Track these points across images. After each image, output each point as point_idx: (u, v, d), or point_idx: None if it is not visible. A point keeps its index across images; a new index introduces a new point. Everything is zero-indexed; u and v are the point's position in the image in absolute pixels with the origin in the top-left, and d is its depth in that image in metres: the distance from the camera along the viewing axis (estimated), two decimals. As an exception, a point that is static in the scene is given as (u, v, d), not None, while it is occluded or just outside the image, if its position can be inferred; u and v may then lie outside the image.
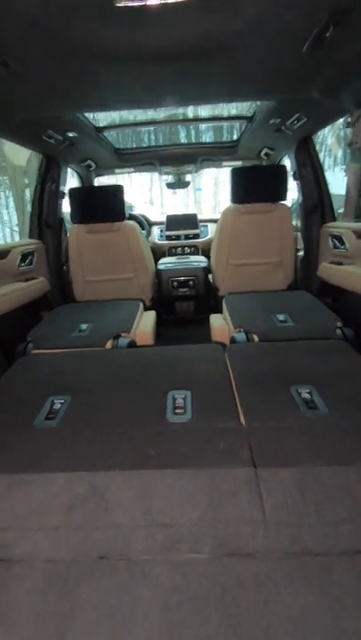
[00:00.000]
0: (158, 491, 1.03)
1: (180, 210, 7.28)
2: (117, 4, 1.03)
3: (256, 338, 2.04)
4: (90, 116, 2.46)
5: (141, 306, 2.68)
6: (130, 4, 1.04)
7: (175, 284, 3.17)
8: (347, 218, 7.28)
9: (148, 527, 0.95)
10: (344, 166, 8.79)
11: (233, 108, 2.80)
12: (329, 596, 0.79)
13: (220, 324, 2.36)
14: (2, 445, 1.24)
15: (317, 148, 2.90)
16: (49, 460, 1.16)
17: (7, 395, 1.58)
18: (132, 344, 2.13)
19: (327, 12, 1.03)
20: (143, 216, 4.29)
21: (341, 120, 2.69)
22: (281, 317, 2.24)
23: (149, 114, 2.73)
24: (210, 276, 3.19)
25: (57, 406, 1.46)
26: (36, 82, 1.45)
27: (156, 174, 3.87)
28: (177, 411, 1.38)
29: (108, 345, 2.07)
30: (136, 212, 4.37)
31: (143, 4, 1.04)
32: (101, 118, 2.65)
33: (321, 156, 3.03)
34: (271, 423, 1.26)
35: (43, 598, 0.82)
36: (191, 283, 3.18)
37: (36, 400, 1.50)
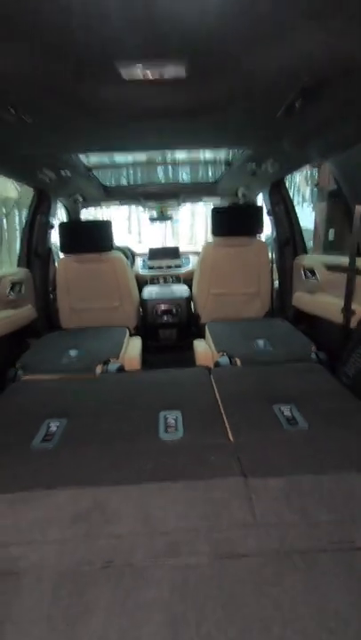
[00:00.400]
0: (156, 501, 1.11)
1: (158, 239, 7.53)
2: (124, 76, 1.22)
3: (239, 362, 2.18)
4: (81, 155, 2.65)
5: (127, 332, 2.79)
6: (134, 77, 1.23)
7: (159, 312, 3.30)
8: (317, 251, 7.79)
9: (148, 535, 1.02)
10: (312, 204, 9.46)
11: (211, 152, 3.07)
12: (314, 586, 0.88)
13: (203, 349, 2.49)
14: (0, 467, 1.29)
15: (287, 185, 3.21)
16: (49, 477, 1.22)
17: (2, 419, 1.62)
18: (121, 369, 2.22)
19: (295, 91, 1.26)
20: (127, 247, 4.47)
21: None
22: (261, 343, 2.40)
23: (137, 155, 2.96)
24: (192, 305, 3.36)
25: (53, 429, 1.51)
26: (38, 127, 1.61)
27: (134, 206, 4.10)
28: (169, 429, 1.48)
29: (98, 370, 2.15)
30: (119, 243, 4.56)
31: (144, 76, 1.23)
32: (92, 158, 2.84)
33: (290, 192, 3.34)
34: (257, 438, 1.38)
35: (52, 604, 0.87)
36: (175, 311, 3.32)
37: (31, 423, 1.55)
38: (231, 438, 1.40)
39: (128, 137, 1.81)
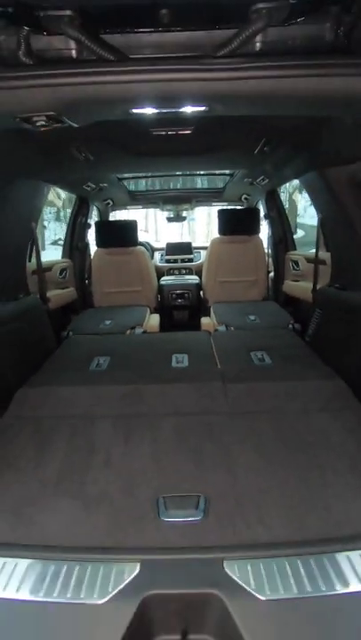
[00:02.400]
0: (170, 391, 1.87)
1: (174, 237, 8.26)
2: (153, 133, 1.97)
3: (233, 329, 2.91)
4: None
5: (148, 310, 3.55)
6: (159, 132, 1.97)
7: (174, 295, 4.05)
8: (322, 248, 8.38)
9: (164, 404, 1.78)
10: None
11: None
12: (254, 423, 1.62)
13: (207, 321, 3.24)
14: (75, 376, 2.06)
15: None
16: (103, 380, 1.99)
17: (67, 358, 2.40)
18: (145, 333, 2.99)
19: (261, 142, 2.00)
20: (148, 243, 5.23)
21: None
22: (252, 317, 3.13)
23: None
24: (201, 292, 4.09)
25: (101, 362, 2.29)
26: (96, 162, 2.39)
27: None
28: (178, 363, 2.23)
29: (128, 332, 2.92)
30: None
31: (165, 133, 1.98)
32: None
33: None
34: (235, 366, 2.12)
35: (115, 426, 1.63)
36: (186, 295, 4.07)
37: (86, 359, 2.32)
38: (219, 366, 2.14)
39: (156, 166, 2.58)
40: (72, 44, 1.09)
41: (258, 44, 1.12)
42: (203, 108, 1.30)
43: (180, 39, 1.13)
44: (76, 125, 1.32)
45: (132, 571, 0.95)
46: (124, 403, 1.82)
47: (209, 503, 1.18)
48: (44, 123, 1.22)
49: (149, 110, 1.37)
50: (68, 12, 0.99)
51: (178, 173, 3.80)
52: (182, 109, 1.33)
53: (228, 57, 1.10)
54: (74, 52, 1.11)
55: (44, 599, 0.89)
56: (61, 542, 1.05)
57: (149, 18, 1.07)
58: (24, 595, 0.89)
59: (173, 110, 1.37)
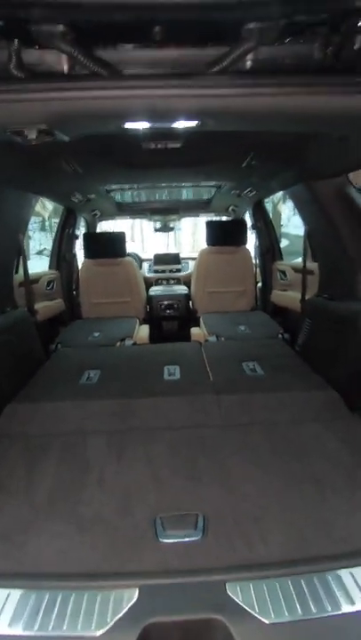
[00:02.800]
0: (162, 405, 1.84)
1: (161, 247, 8.27)
2: (143, 146, 1.97)
3: (223, 339, 2.91)
4: None
5: (137, 321, 3.52)
6: (149, 147, 1.98)
7: (163, 306, 4.04)
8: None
9: (157, 418, 1.76)
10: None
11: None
12: (248, 435, 1.60)
13: (197, 332, 3.23)
14: (65, 391, 2.01)
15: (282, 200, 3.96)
16: (94, 394, 1.94)
17: (56, 371, 2.35)
18: (135, 345, 2.95)
19: (248, 156, 2.03)
20: (136, 254, 5.22)
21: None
22: (242, 328, 3.13)
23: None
24: (190, 303, 4.09)
25: (92, 375, 2.24)
26: (84, 174, 2.37)
27: None
28: (170, 375, 2.20)
29: (117, 345, 2.88)
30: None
31: (154, 147, 1.98)
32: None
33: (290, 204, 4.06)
34: (227, 377, 2.11)
35: (108, 442, 1.59)
36: (175, 305, 4.06)
37: (76, 373, 2.28)
38: (211, 378, 2.13)
39: (145, 179, 2.58)
40: (64, 59, 1.08)
41: (249, 62, 1.13)
42: (194, 124, 1.31)
43: (173, 56, 1.14)
44: (66, 139, 1.31)
45: (131, 597, 0.91)
46: (117, 418, 1.78)
47: (208, 521, 1.15)
48: (34, 136, 1.20)
49: (141, 125, 1.37)
50: (60, 28, 0.99)
51: (166, 185, 3.81)
52: (173, 125, 1.34)
53: (220, 74, 1.11)
54: (66, 67, 1.10)
55: (39, 634, 0.84)
56: (55, 569, 1.00)
57: (142, 34, 1.08)
58: (17, 630, 0.85)
59: (164, 126, 1.38)
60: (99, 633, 0.84)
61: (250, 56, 1.12)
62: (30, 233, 14.94)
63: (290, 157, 2.11)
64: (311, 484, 1.32)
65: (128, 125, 1.34)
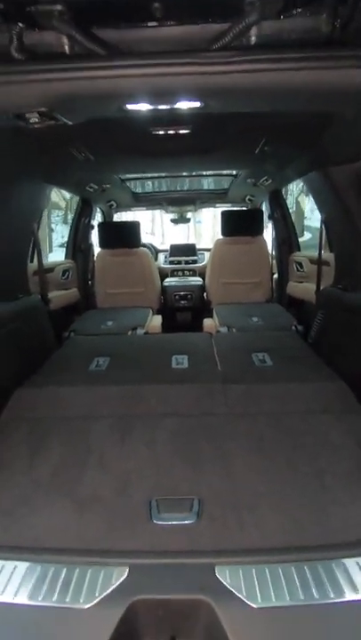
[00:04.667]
0: (169, 392, 1.84)
1: (180, 240, 8.26)
2: (153, 132, 1.96)
3: (235, 330, 2.88)
4: None
5: (151, 311, 3.53)
6: (159, 132, 1.96)
7: (177, 297, 4.03)
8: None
9: (163, 405, 1.76)
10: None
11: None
12: (253, 427, 1.58)
13: (209, 323, 3.21)
14: (71, 378, 2.05)
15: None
16: (101, 380, 1.97)
17: (67, 358, 2.39)
18: (146, 334, 2.96)
19: (261, 141, 1.97)
20: (151, 245, 5.23)
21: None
22: (255, 319, 3.09)
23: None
24: (204, 294, 4.06)
25: (101, 362, 2.27)
26: (96, 162, 2.38)
27: None
28: (178, 364, 2.20)
29: (129, 333, 2.90)
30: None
31: (165, 132, 1.96)
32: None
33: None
34: (235, 367, 2.08)
35: (112, 427, 1.61)
36: (189, 297, 4.05)
37: (86, 360, 2.31)
38: (219, 368, 2.11)
39: (155, 167, 2.57)
40: (64, 40, 1.08)
41: (253, 38, 1.09)
42: (198, 104, 1.28)
43: (174, 33, 1.11)
44: (70, 123, 1.31)
45: (121, 575, 0.92)
46: (123, 403, 1.80)
47: (203, 506, 1.15)
48: (36, 119, 1.21)
49: (145, 107, 1.35)
50: (58, 7, 0.98)
51: (181, 174, 3.78)
52: (178, 105, 1.31)
53: (223, 50, 1.08)
54: (66, 48, 1.09)
55: (29, 602, 0.87)
56: (51, 544, 1.03)
57: (142, 12, 1.06)
58: (7, 597, 0.87)
59: (169, 107, 1.35)
60: (86, 606, 0.86)
61: (254, 31, 1.08)
62: (53, 226, 15.24)
63: (304, 142, 2.04)
64: (313, 474, 1.29)
65: (131, 107, 1.33)
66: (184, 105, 1.31)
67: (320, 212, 2.55)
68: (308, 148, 2.09)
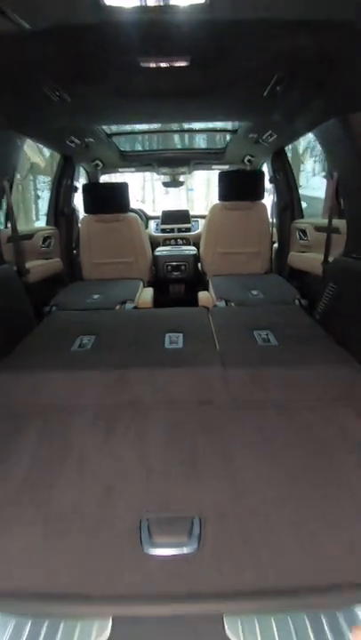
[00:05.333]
0: (161, 377, 1.60)
1: (172, 208, 7.78)
2: (142, 65, 1.60)
3: (233, 305, 2.62)
4: None
5: (142, 283, 3.24)
6: (150, 65, 1.60)
7: (169, 267, 3.73)
8: (325, 215, 7.97)
9: (154, 392, 1.53)
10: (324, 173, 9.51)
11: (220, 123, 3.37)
12: (261, 416, 1.37)
13: (205, 296, 2.94)
14: (52, 359, 1.79)
15: (308, 154, 3.51)
16: (86, 364, 1.72)
17: (47, 336, 2.12)
18: (136, 308, 2.69)
19: (273, 78, 1.63)
20: (141, 210, 4.84)
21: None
22: (254, 292, 2.83)
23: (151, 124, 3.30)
24: (199, 264, 3.76)
25: (85, 341, 2.01)
26: (74, 105, 2.00)
27: (148, 174, 4.42)
28: (172, 343, 1.95)
29: (117, 308, 2.63)
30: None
31: (157, 66, 1.60)
32: (112, 126, 3.19)
33: (312, 161, 3.63)
34: (236, 347, 1.85)
35: (95, 419, 1.38)
36: (183, 267, 3.75)
37: (68, 338, 2.04)
38: (218, 348, 1.87)
39: (145, 112, 2.20)
40: None
41: None
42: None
43: None
44: (27, 26, 0.98)
45: (102, 631, 0.71)
46: (108, 391, 1.56)
47: (204, 527, 0.93)
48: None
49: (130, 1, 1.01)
50: None
51: (175, 129, 3.37)
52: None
53: None
54: None
55: None
56: (10, 587, 0.80)
57: None
58: None
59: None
60: None
61: None
62: (40, 193, 14.39)
63: (323, 82, 1.70)
64: (336, 484, 1.08)
65: (110, 2, 0.99)
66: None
67: (333, 169, 2.24)
68: (327, 89, 1.75)
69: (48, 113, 2.08)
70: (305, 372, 1.61)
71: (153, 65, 1.59)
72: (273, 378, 1.59)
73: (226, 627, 0.71)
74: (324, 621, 0.72)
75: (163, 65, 1.60)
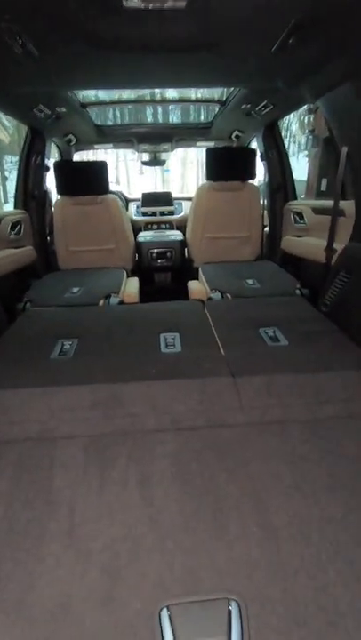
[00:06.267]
0: (161, 393, 1.35)
1: (148, 188, 7.41)
2: (125, 5, 1.28)
3: (230, 296, 2.38)
4: (76, 92, 2.63)
5: (125, 273, 2.94)
6: (135, 6, 1.28)
7: (154, 254, 3.44)
8: (309, 198, 7.81)
9: (156, 414, 1.27)
10: (306, 151, 9.31)
11: (206, 92, 3.05)
12: (286, 441, 1.15)
13: (197, 287, 2.68)
14: (28, 370, 1.50)
15: (283, 134, 3.25)
16: (70, 377, 1.44)
17: (21, 340, 1.82)
18: (122, 303, 2.41)
19: (288, 26, 1.34)
20: (121, 192, 4.47)
21: (305, 107, 3.05)
22: (250, 281, 2.60)
23: (130, 93, 2.93)
24: (185, 250, 3.49)
25: (67, 346, 1.72)
26: (43, 61, 1.65)
27: (122, 154, 4.05)
28: (169, 346, 1.70)
29: (101, 303, 2.33)
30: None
31: (144, 7, 1.28)
32: (85, 95, 2.81)
33: (286, 142, 3.38)
34: (244, 350, 1.62)
35: (85, 456, 1.13)
36: (169, 254, 3.46)
37: (47, 343, 1.75)
38: (222, 351, 1.64)
39: (128, 72, 1.85)
40: None
41: None
42: None
43: None
44: None
45: None
46: (98, 413, 1.30)
47: (247, 619, 0.70)
48: None
49: None
50: None
51: (156, 99, 3.01)
52: None
53: None
54: None
55: None
56: None
57: None
58: None
59: None
60: None
61: None
62: (7, 174, 13.42)
63: (346, 35, 1.43)
64: None
65: None
66: None
67: (340, 143, 2.00)
68: (349, 48, 1.49)
69: (11, 70, 1.71)
70: (327, 380, 1.40)
71: (141, 5, 1.27)
72: (292, 387, 1.37)
73: None
74: None
75: (152, 6, 1.28)
